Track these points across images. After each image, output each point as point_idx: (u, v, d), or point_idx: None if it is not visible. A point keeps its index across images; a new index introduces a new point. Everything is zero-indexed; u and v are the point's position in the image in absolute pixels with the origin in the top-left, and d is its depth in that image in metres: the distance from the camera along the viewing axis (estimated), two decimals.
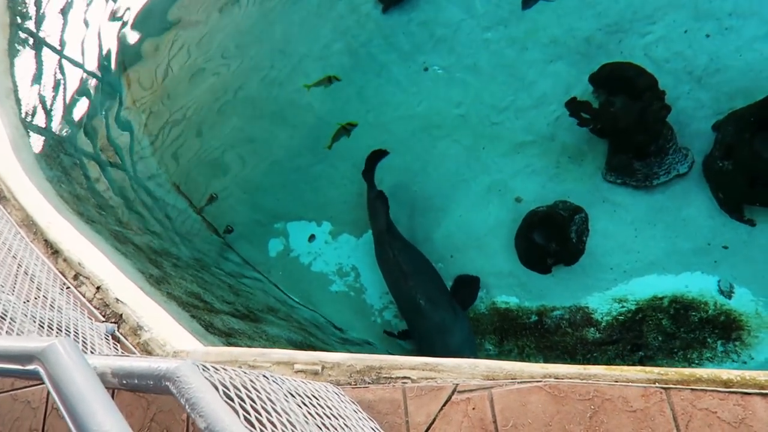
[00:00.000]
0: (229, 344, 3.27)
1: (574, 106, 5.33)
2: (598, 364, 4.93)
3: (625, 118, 5.01)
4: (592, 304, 5.09)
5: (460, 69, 6.25)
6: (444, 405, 1.93)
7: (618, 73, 5.29)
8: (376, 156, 5.99)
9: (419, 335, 4.92)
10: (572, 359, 5.00)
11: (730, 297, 4.66)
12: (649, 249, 5.06)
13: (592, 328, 5.03)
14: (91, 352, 2.37)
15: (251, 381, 1.53)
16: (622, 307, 4.98)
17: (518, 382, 1.85)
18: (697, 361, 4.63)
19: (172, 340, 2.76)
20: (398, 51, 6.58)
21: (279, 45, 7.18)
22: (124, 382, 1.47)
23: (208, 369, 1.49)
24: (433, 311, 4.83)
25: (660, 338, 4.77)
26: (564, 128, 5.62)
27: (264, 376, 1.67)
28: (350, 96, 6.65)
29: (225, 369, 1.55)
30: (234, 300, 4.33)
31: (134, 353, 2.76)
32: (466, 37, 6.32)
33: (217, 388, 1.38)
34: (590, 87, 5.60)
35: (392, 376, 2.09)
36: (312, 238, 6.26)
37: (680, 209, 5.07)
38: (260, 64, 7.20)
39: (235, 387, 1.44)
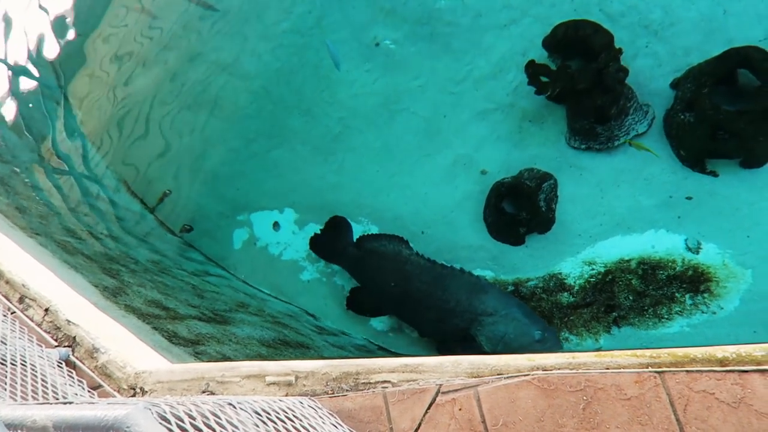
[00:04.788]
0: (196, 353, 3.09)
1: (532, 70, 5.21)
2: (576, 326, 4.99)
3: (583, 80, 4.91)
4: (565, 270, 5.08)
5: (414, 41, 6.05)
6: (429, 408, 1.82)
7: (572, 34, 5.17)
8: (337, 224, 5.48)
9: (476, 306, 4.60)
10: (549, 323, 5.00)
11: (697, 252, 4.69)
12: (615, 210, 5.06)
13: (566, 293, 5.02)
14: (42, 388, 2.16)
15: (215, 416, 1.37)
16: (592, 269, 4.98)
17: (505, 378, 1.75)
18: (666, 317, 4.68)
19: (133, 360, 2.57)
20: (349, 27, 6.31)
21: (223, 27, 6.81)
22: None
23: (163, 407, 1.32)
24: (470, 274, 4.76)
25: (631, 298, 4.80)
26: (523, 95, 5.51)
27: (230, 404, 1.51)
28: (305, 76, 6.38)
29: (182, 404, 1.38)
30: (199, 303, 4.12)
31: (92, 378, 2.56)
32: (418, 6, 6.10)
33: None
34: (545, 52, 5.48)
35: (371, 380, 1.96)
36: (276, 225, 6.04)
37: (642, 168, 5.06)
38: (205, 48, 6.83)
39: (197, 428, 1.28)
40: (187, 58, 6.85)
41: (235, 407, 1.52)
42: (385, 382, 1.94)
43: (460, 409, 1.77)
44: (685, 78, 4.83)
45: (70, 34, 7.44)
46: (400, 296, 4.92)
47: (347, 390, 1.98)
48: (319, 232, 5.65)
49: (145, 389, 2.44)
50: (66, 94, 7.15)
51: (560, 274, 5.06)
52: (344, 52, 6.21)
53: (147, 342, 2.86)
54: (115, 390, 2.54)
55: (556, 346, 4.39)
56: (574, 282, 5.02)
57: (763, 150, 4.56)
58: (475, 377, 1.79)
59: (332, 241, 5.49)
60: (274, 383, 2.09)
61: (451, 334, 4.78)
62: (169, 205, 6.43)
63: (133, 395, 2.48)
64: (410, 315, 4.98)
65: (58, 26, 7.49)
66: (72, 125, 7.00)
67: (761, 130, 4.41)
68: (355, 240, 5.42)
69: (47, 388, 2.24)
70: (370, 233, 5.43)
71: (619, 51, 4.97)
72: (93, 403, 1.38)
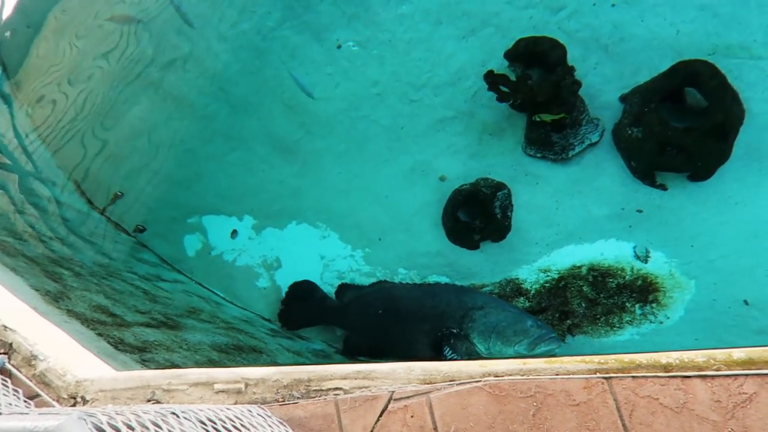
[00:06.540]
0: (143, 361, 2.97)
1: (492, 79, 5.29)
2: None
3: (542, 92, 5.03)
4: (521, 276, 5.16)
5: (375, 46, 6.06)
6: (381, 415, 1.80)
7: (532, 48, 5.30)
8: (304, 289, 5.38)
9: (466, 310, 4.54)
10: None
11: (646, 261, 4.85)
12: (569, 219, 5.18)
13: (522, 297, 5.11)
14: None
15: (156, 426, 1.31)
16: (547, 276, 5.09)
17: (457, 384, 1.75)
18: (618, 326, 4.82)
19: (74, 368, 2.45)
20: (311, 30, 6.27)
21: (182, 27, 6.64)
22: None
23: (99, 417, 1.25)
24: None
25: (584, 305, 4.92)
26: (482, 104, 5.59)
27: (174, 413, 1.45)
28: (266, 78, 6.29)
29: (122, 413, 1.32)
30: (150, 308, 3.98)
31: (29, 387, 2.43)
32: (380, 12, 6.12)
33: None
34: (505, 61, 5.59)
35: (323, 388, 1.92)
36: (234, 233, 5.92)
37: (594, 179, 5.21)
38: (163, 48, 6.64)
39: None
40: (144, 56, 6.65)
41: (178, 416, 1.46)
42: (336, 389, 1.91)
43: (412, 416, 1.76)
44: (633, 93, 5.00)
45: (18, 26, 7.11)
46: (391, 319, 4.84)
47: (298, 397, 1.94)
48: (282, 305, 5.38)
49: (87, 398, 2.33)
50: (13, 89, 6.83)
51: (517, 279, 5.14)
52: (305, 54, 6.17)
53: (90, 349, 2.74)
54: (54, 399, 2.41)
55: (550, 334, 4.14)
56: (531, 287, 5.11)
57: (709, 165, 4.75)
58: (427, 384, 1.79)
59: (305, 307, 5.30)
60: (222, 391, 2.03)
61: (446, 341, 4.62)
62: (120, 206, 6.20)
63: (74, 405, 2.36)
64: (403, 336, 4.80)
65: (4, 17, 7.15)
66: (19, 121, 6.68)
67: (707, 146, 4.59)
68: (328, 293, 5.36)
69: None
70: (346, 284, 5.35)
71: (572, 68, 5.13)
72: (24, 413, 1.30)
